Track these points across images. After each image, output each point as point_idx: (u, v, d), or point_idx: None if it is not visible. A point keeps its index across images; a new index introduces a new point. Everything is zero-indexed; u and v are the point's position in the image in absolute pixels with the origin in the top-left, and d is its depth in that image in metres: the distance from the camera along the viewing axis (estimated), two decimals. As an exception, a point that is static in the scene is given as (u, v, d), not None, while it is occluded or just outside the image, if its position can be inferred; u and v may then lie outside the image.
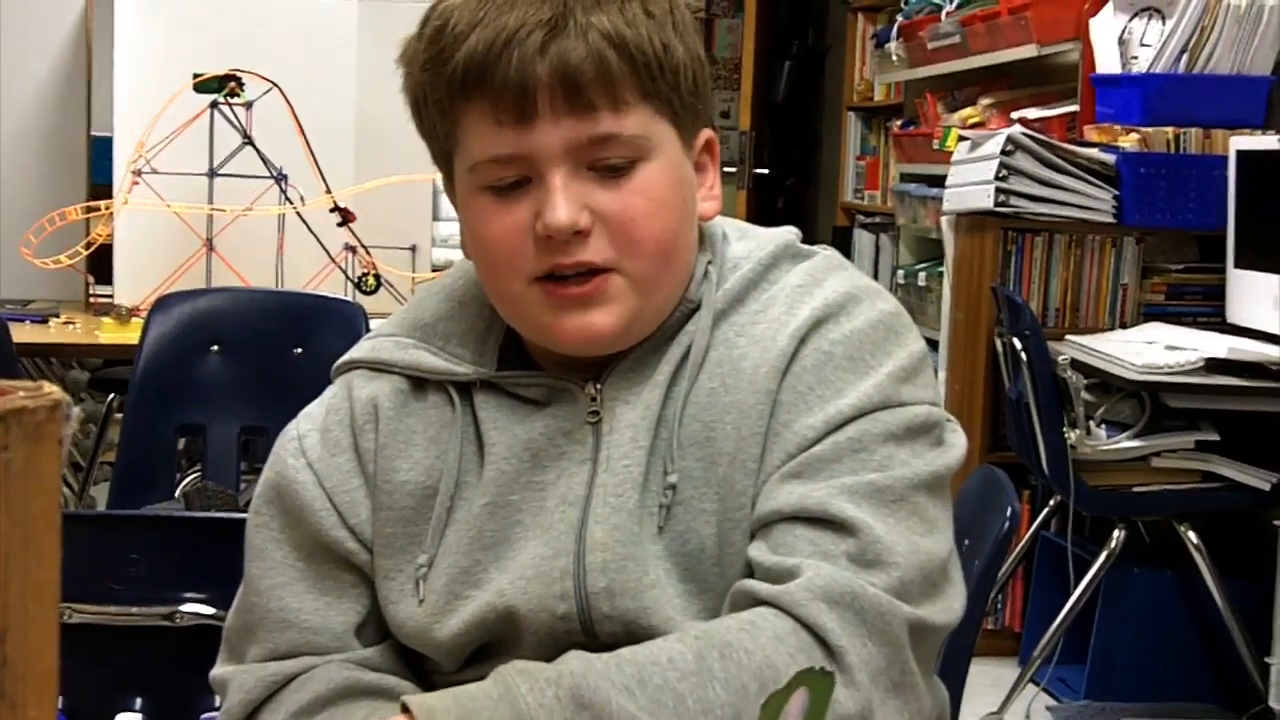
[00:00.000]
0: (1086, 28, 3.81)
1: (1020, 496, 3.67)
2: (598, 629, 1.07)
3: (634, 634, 1.06)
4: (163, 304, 2.92)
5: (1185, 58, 3.65)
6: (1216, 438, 3.27)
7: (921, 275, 4.56)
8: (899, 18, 4.90)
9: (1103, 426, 3.30)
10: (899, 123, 5.15)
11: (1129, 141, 3.63)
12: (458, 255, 1.16)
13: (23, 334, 3.21)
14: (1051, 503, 3.61)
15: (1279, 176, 3.40)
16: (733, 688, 0.97)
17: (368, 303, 3.20)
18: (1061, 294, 3.71)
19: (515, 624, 1.08)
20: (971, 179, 3.72)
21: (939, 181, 4.05)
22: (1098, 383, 3.29)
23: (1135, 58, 3.72)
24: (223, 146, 3.48)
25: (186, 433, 2.92)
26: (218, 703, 1.18)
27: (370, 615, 1.14)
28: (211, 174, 3.49)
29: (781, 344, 1.08)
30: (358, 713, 1.08)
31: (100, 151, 3.75)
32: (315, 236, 3.46)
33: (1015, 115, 4.00)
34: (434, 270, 3.67)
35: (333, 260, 3.50)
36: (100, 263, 3.63)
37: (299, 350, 2.88)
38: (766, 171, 6.85)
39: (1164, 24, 3.69)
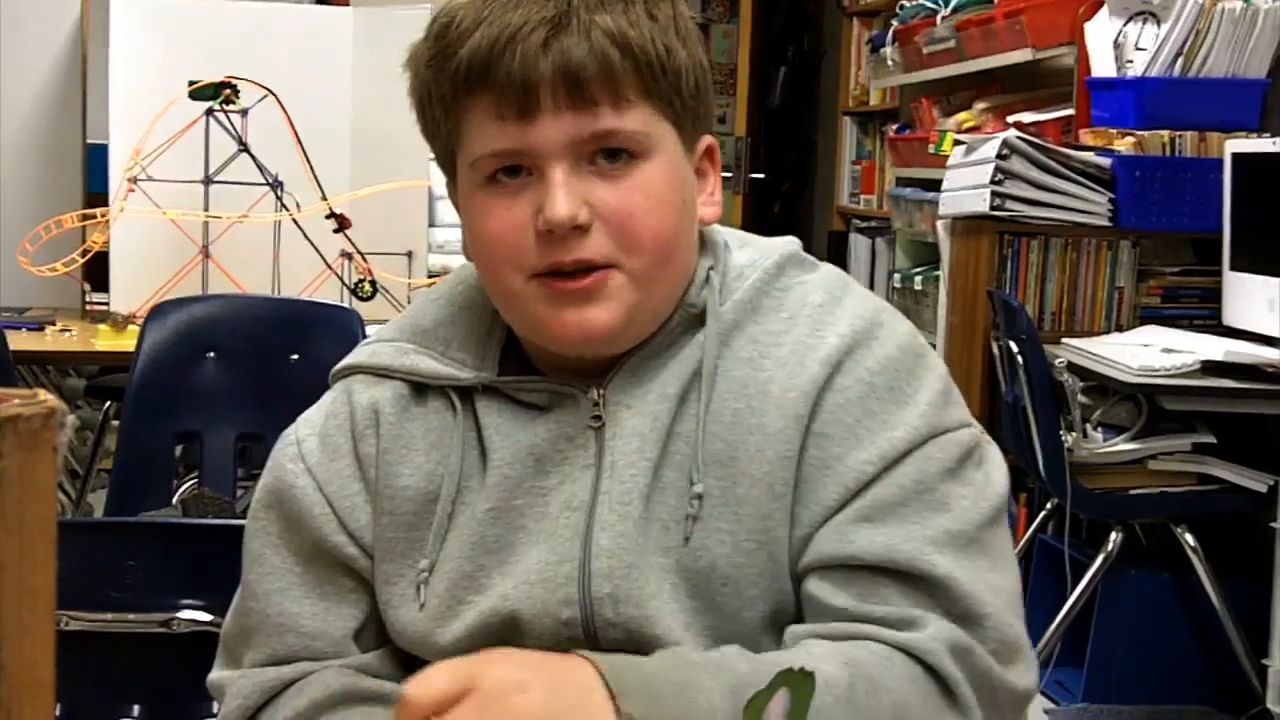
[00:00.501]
0: (1081, 32, 3.81)
1: (1017, 499, 3.68)
2: (600, 635, 1.07)
3: (636, 641, 1.06)
4: (159, 311, 2.91)
5: (1180, 61, 3.65)
6: (1213, 440, 3.28)
7: (918, 279, 4.56)
8: (894, 23, 4.90)
9: (1099, 429, 3.30)
10: (894, 127, 5.15)
11: (1124, 145, 3.63)
12: (454, 261, 1.17)
13: (19, 341, 3.21)
14: (1049, 506, 3.61)
15: (1274, 179, 3.41)
16: None
17: (364, 309, 3.19)
18: (1058, 297, 3.71)
19: (518, 629, 1.08)
20: (967, 183, 3.72)
21: (935, 186, 4.05)
22: (1094, 386, 3.29)
23: (1130, 61, 3.72)
24: (218, 154, 3.48)
25: (183, 440, 2.92)
26: (215, 709, 1.18)
27: (369, 621, 1.15)
28: (207, 181, 3.49)
29: (812, 370, 1.09)
30: (355, 719, 1.09)
31: (96, 159, 3.74)
32: (311, 243, 3.45)
33: (1010, 119, 4.00)
34: (430, 276, 3.66)
35: (329, 266, 3.49)
36: (96, 270, 3.63)
37: (295, 357, 2.88)
38: (762, 176, 6.86)
39: (1159, 27, 3.69)
